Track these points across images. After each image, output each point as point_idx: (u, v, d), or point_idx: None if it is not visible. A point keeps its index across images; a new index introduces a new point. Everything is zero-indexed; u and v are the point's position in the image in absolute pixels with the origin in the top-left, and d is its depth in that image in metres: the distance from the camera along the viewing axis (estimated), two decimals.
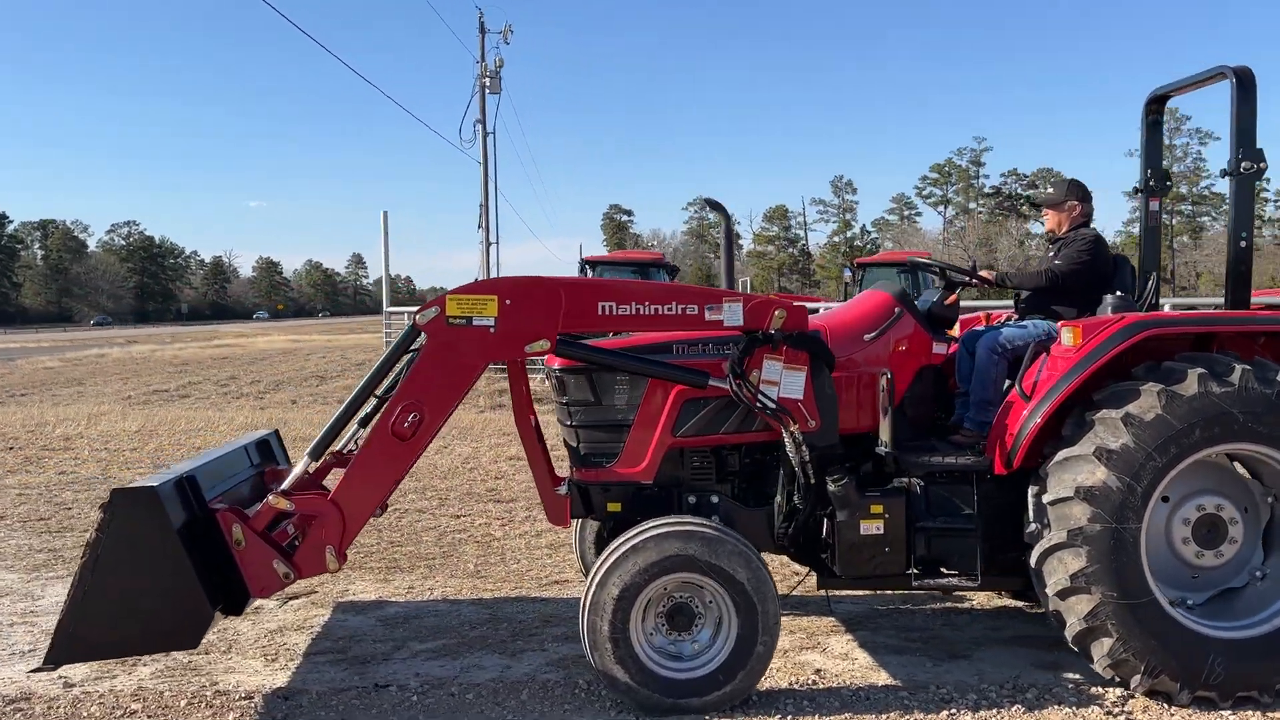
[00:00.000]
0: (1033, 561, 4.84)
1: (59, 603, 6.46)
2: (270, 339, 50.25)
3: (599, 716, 4.71)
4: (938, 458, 5.10)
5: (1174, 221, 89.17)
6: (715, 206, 5.96)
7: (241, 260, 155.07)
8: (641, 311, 4.89)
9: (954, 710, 4.70)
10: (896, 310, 5.30)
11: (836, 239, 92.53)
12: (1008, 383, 5.34)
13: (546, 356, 5.08)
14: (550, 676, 5.19)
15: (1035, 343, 5.09)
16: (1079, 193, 5.73)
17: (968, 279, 5.59)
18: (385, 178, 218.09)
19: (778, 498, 5.11)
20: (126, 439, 13.24)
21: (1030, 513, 4.86)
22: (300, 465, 4.88)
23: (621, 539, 4.71)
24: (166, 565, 4.38)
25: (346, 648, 5.65)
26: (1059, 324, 5.19)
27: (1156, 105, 5.92)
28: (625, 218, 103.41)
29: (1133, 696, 4.81)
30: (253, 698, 4.94)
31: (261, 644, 5.71)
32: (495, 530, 8.34)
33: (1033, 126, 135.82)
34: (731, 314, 4.91)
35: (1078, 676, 5.11)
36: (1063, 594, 4.72)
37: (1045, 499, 4.76)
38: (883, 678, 5.15)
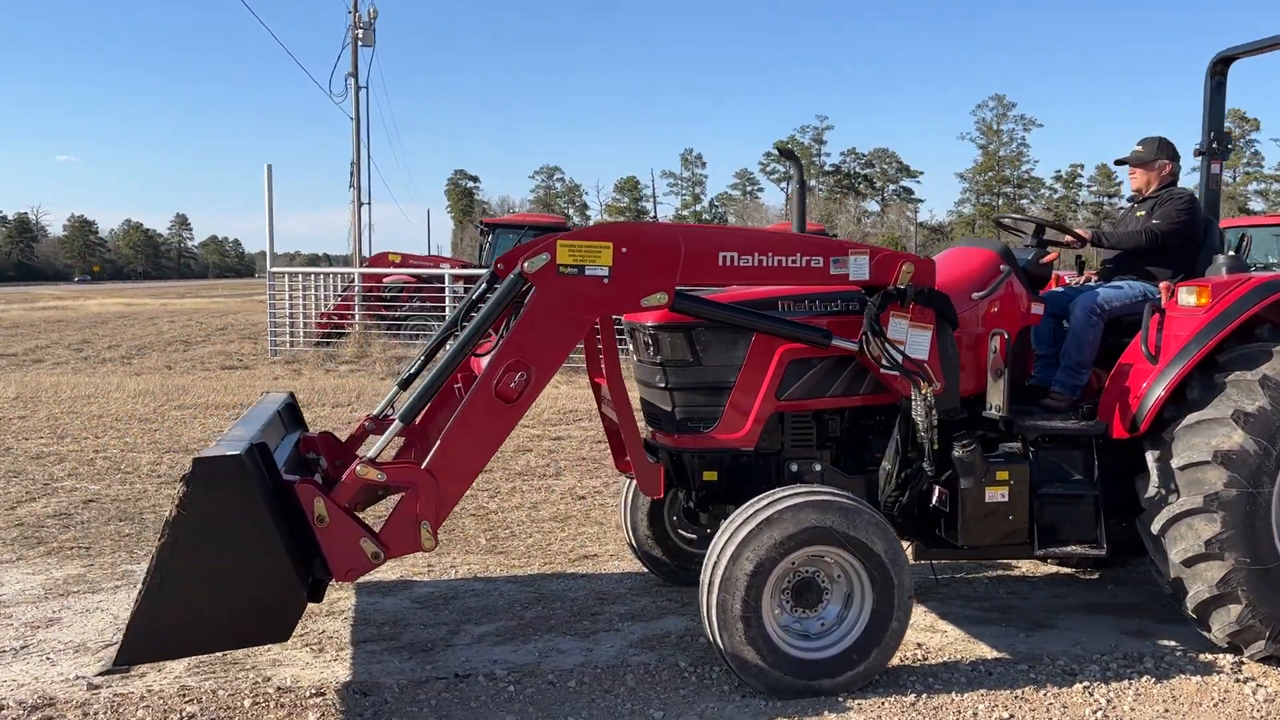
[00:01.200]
0: (1155, 528, 4.71)
1: (24, 590, 5.68)
2: (100, 302, 46.97)
3: (724, 701, 4.34)
4: (1051, 421, 4.92)
5: (999, 203, 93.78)
6: (789, 155, 5.63)
7: (51, 218, 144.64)
8: (764, 263, 4.50)
9: (1087, 683, 4.54)
10: (1004, 268, 5.07)
11: (685, 212, 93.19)
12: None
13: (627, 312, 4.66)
14: (642, 659, 4.78)
15: (1150, 303, 4.96)
16: (1169, 151, 5.63)
17: (1064, 237, 5.41)
18: (219, 132, 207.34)
19: (885, 464, 4.82)
20: (8, 406, 11.93)
21: (1154, 477, 4.72)
22: (390, 431, 4.28)
23: (750, 511, 4.33)
24: (257, 545, 3.79)
25: (396, 634, 5.09)
26: (1162, 284, 5.09)
27: (1222, 66, 5.87)
28: (471, 184, 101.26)
29: (1243, 663, 4.76)
30: (324, 694, 4.36)
31: (298, 632, 5.05)
32: (486, 502, 7.80)
33: (870, 107, 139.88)
34: (858, 268, 4.59)
35: (1173, 643, 5.04)
36: (1190, 561, 4.60)
37: (1174, 464, 4.63)
38: (987, 650, 4.96)
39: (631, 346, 5.07)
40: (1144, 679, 4.59)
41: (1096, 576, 6.14)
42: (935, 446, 4.62)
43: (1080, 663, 4.77)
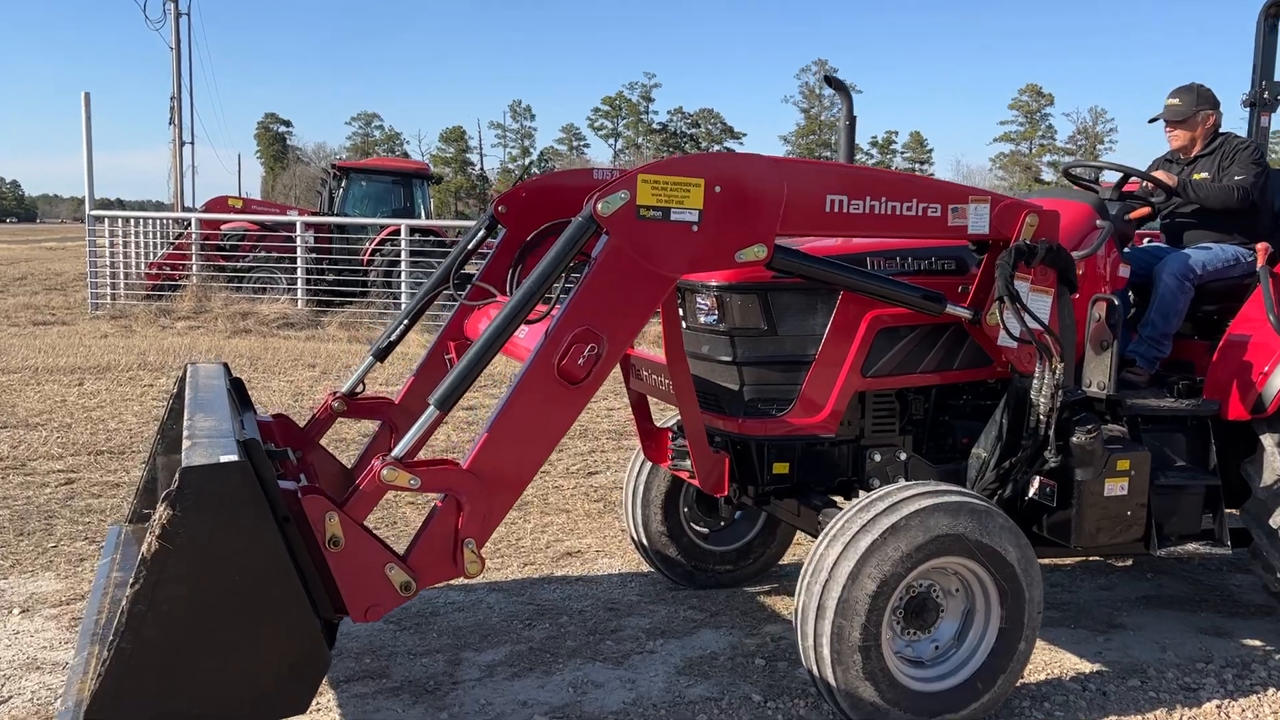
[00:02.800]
0: (1275, 520, 4.17)
1: None
2: None
3: None
4: (1157, 400, 4.31)
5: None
6: (836, 85, 4.79)
7: None
8: (876, 210, 3.64)
9: (1217, 701, 3.98)
10: (1101, 224, 4.40)
11: (513, 165, 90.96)
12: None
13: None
14: (703, 692, 3.93)
15: (1259, 268, 4.39)
16: (1209, 99, 5.04)
17: (1155, 193, 4.76)
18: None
19: (979, 451, 4.09)
20: None
21: (1275, 463, 4.18)
22: (425, 419, 3.22)
23: (868, 516, 3.50)
24: (268, 584, 2.73)
25: (383, 669, 4.06)
26: (1260, 246, 4.55)
27: (1275, 10, 5.36)
28: (284, 128, 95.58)
29: None
30: None
31: None
32: None
33: (697, 67, 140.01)
34: (978, 218, 3.80)
35: (1261, 643, 4.59)
36: None
37: None
38: (1075, 661, 4.35)
39: (682, 311, 4.15)
40: (1270, 692, 4.07)
41: (1130, 563, 5.64)
42: (1051, 431, 3.92)
43: (1190, 674, 4.21)
